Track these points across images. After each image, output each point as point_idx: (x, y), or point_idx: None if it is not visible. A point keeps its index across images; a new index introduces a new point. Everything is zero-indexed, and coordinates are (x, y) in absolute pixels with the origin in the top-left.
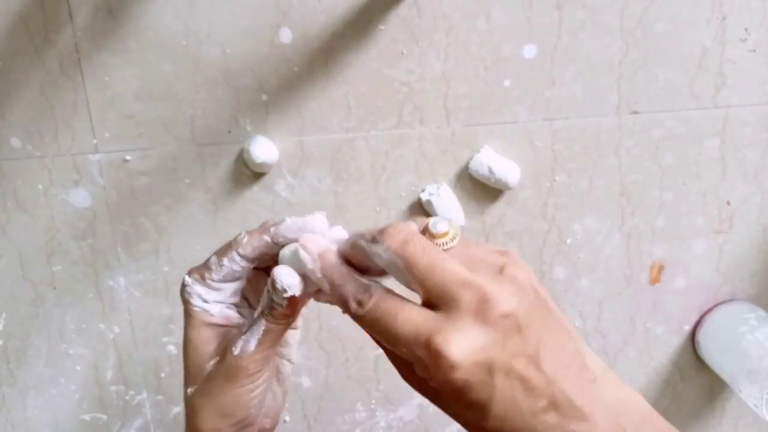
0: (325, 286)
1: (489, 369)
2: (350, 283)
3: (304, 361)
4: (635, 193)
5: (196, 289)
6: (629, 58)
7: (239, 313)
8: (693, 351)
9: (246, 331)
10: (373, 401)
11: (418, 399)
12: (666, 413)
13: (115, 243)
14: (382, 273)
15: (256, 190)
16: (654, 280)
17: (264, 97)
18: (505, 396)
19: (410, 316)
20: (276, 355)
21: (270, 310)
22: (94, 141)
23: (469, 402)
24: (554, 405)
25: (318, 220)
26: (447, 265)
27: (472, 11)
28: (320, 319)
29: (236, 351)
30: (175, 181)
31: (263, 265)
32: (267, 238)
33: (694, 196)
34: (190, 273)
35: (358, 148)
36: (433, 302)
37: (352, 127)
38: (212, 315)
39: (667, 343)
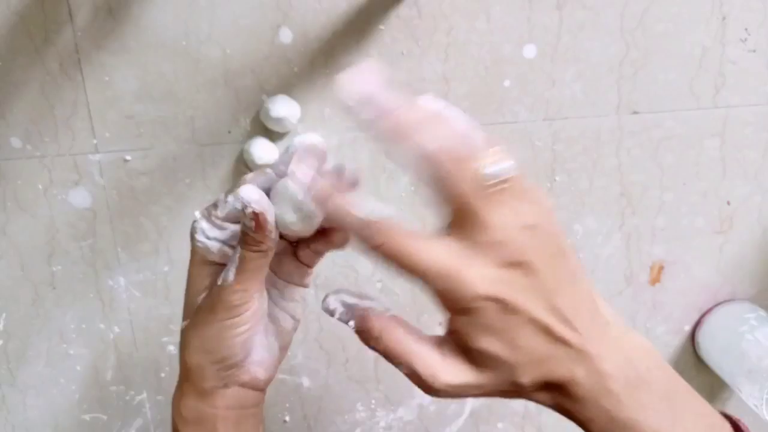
0: (320, 218)
1: (505, 302)
2: (357, 218)
3: (304, 361)
4: (635, 193)
5: (202, 224)
6: (629, 58)
7: None
8: (693, 351)
9: (228, 263)
10: (373, 401)
11: (418, 399)
12: None
13: (115, 243)
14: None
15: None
16: (654, 280)
17: (264, 97)
18: (518, 330)
19: (432, 249)
20: (274, 304)
21: (243, 237)
22: (94, 141)
23: (484, 328)
24: (567, 343)
25: (311, 139)
26: (489, 209)
27: (472, 11)
28: (320, 319)
29: (219, 281)
30: (175, 181)
31: None
32: (269, 170)
33: (694, 196)
34: (201, 211)
35: (358, 148)
36: (458, 229)
37: (352, 127)
38: (212, 252)
39: (667, 343)
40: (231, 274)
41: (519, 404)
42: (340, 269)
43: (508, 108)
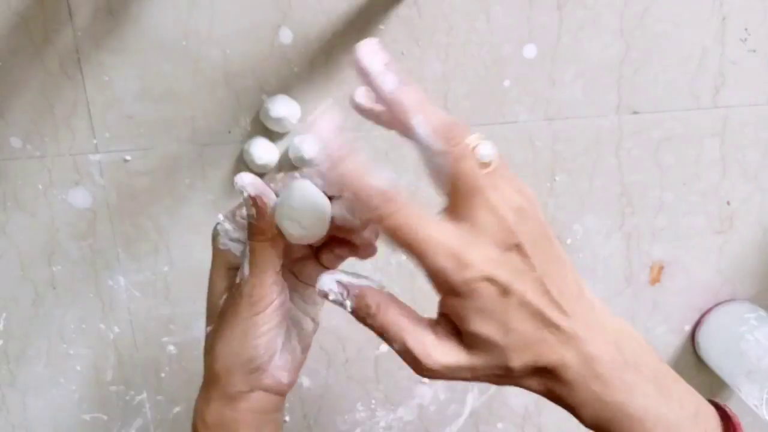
0: (328, 220)
1: (502, 284)
2: (370, 182)
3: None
4: (635, 193)
5: (225, 226)
6: (629, 58)
7: None
8: (693, 351)
9: (242, 259)
10: (373, 401)
11: (418, 399)
12: None
13: (115, 243)
14: None
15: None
16: (654, 280)
17: (264, 97)
18: (511, 312)
19: (437, 228)
20: (295, 307)
21: (249, 228)
22: (94, 141)
23: (478, 310)
24: (558, 327)
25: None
26: (484, 191)
27: (472, 11)
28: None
29: (237, 279)
30: (175, 181)
31: None
32: (297, 174)
33: (694, 196)
34: (224, 213)
35: (358, 149)
36: (456, 212)
37: (352, 127)
38: (234, 255)
39: (667, 343)
40: (246, 268)
41: (519, 404)
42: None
43: (508, 108)
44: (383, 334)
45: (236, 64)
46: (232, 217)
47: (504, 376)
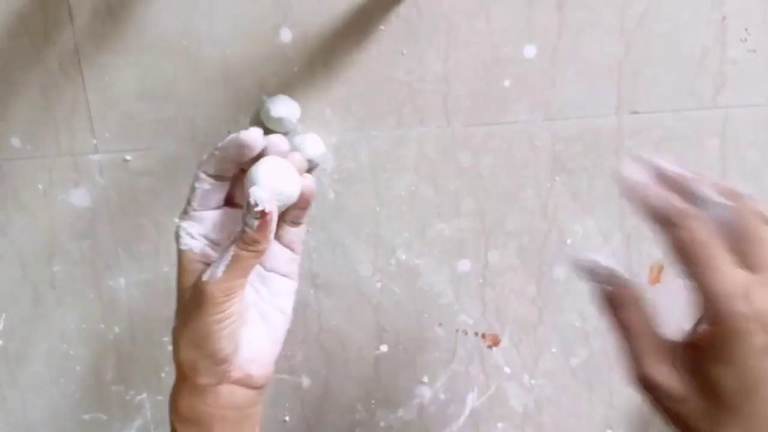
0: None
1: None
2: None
3: (304, 361)
4: None
5: (183, 225)
6: (629, 58)
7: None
8: None
9: (217, 259)
10: (373, 401)
11: (418, 399)
12: None
13: (115, 243)
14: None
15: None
16: (654, 281)
17: (264, 97)
18: (763, 377)
19: (728, 269)
20: (263, 300)
21: (241, 235)
22: (94, 141)
23: (730, 349)
24: None
25: (279, 138)
26: None
27: (472, 11)
28: (320, 319)
29: (204, 277)
30: (175, 181)
31: (227, 175)
32: (216, 152)
33: None
34: (178, 215)
35: (358, 148)
36: (745, 261)
37: (352, 127)
38: (195, 253)
39: None
40: (219, 270)
41: (519, 404)
42: (339, 269)
43: (508, 108)
44: (622, 330)
45: (236, 64)
46: (185, 214)
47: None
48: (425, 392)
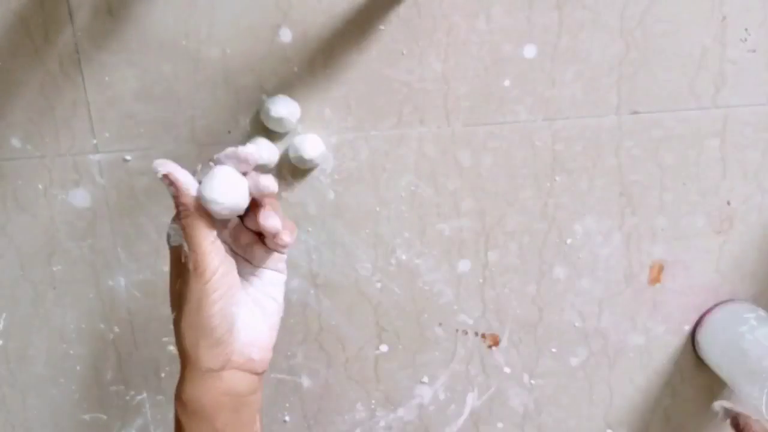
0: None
1: None
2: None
3: (304, 361)
4: (635, 193)
5: (174, 226)
6: (629, 58)
7: None
8: (693, 351)
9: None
10: (373, 401)
11: (418, 399)
12: (666, 413)
13: (115, 243)
14: None
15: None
16: (654, 280)
17: (264, 97)
18: None
19: None
20: (255, 289)
21: (176, 209)
22: (94, 141)
23: None
24: None
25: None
26: None
27: (472, 11)
28: (320, 319)
29: (182, 259)
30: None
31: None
32: (210, 162)
33: (694, 196)
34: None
35: (358, 148)
36: None
37: (352, 127)
38: (185, 250)
39: (667, 343)
40: (186, 247)
41: (519, 404)
42: (340, 269)
43: (508, 108)
44: None
45: (236, 64)
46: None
47: None
48: (425, 392)
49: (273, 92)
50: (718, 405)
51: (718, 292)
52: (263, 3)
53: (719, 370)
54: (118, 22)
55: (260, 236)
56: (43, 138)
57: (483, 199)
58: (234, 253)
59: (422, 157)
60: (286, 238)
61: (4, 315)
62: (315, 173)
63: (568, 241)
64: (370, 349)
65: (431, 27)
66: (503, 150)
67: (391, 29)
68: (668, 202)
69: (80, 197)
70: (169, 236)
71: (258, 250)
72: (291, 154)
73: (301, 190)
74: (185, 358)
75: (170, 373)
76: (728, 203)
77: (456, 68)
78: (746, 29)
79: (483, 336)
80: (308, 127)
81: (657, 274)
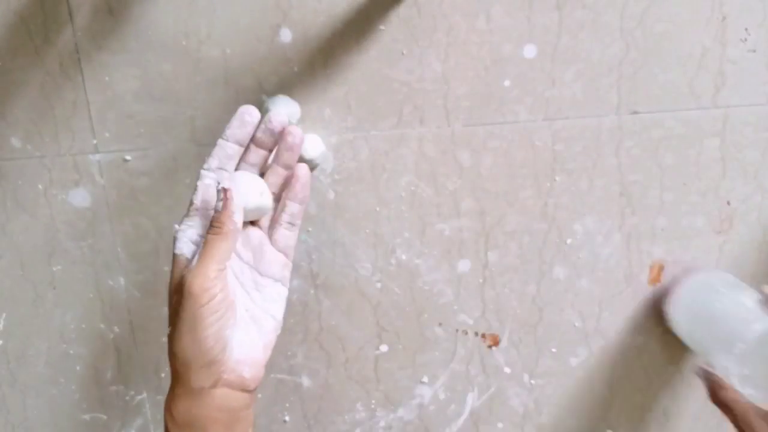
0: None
1: None
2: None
3: (304, 361)
4: (635, 193)
5: (181, 228)
6: (629, 58)
7: None
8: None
9: (195, 253)
10: (373, 401)
11: (418, 399)
12: (666, 413)
13: (115, 243)
14: None
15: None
16: (654, 280)
17: (264, 97)
18: None
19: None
20: (255, 305)
21: (211, 221)
22: (94, 141)
23: None
24: None
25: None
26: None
27: (472, 11)
28: (320, 319)
29: (184, 272)
30: (175, 181)
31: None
32: (219, 140)
33: (694, 196)
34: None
35: (358, 148)
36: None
37: (352, 127)
38: (187, 258)
39: (667, 343)
40: (195, 260)
41: (519, 404)
42: (340, 269)
43: (508, 108)
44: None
45: (236, 64)
46: (187, 215)
47: None
48: (425, 392)
49: (273, 92)
50: (697, 365)
51: None
52: (263, 3)
53: (689, 339)
54: (118, 22)
55: (269, 234)
56: (43, 138)
57: (483, 199)
58: (241, 261)
59: (422, 157)
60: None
61: (4, 315)
62: (315, 173)
63: (568, 241)
64: (370, 349)
65: (431, 27)
66: (503, 150)
67: (391, 29)
68: (668, 202)
69: (80, 197)
70: (175, 240)
71: (268, 252)
72: None
73: None
74: (177, 376)
75: (170, 373)
76: (728, 203)
77: (456, 68)
78: (746, 29)
79: (483, 336)
80: (308, 127)
81: (657, 274)
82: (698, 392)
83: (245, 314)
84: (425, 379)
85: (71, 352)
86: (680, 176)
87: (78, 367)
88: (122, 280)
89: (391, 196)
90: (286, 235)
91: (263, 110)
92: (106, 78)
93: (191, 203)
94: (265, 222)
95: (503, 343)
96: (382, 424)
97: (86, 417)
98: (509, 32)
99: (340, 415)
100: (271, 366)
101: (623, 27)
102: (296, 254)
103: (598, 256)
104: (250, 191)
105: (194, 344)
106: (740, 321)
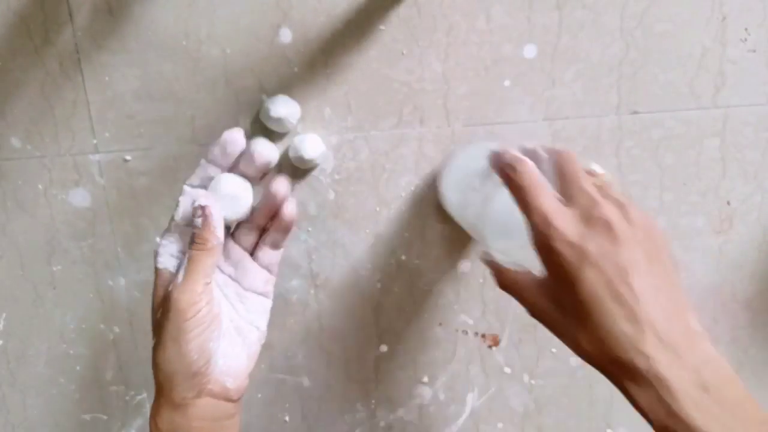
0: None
1: (581, 253)
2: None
3: (304, 361)
4: (635, 193)
5: (162, 242)
6: (629, 58)
7: None
8: None
9: (180, 267)
10: (373, 401)
11: (418, 399)
12: None
13: (115, 243)
14: None
15: (256, 190)
16: None
17: (264, 97)
18: (591, 282)
19: (547, 198)
20: (239, 317)
21: (192, 237)
22: (94, 141)
23: (563, 276)
24: (633, 319)
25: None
26: (584, 183)
27: (472, 11)
28: (320, 319)
29: (170, 288)
30: (175, 181)
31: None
32: (202, 161)
33: (694, 196)
34: (161, 234)
35: (358, 148)
36: (565, 195)
37: (352, 127)
38: (171, 272)
39: None
40: (180, 275)
41: (519, 404)
42: (339, 269)
43: (508, 108)
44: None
45: (236, 63)
46: (168, 230)
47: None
48: (425, 392)
49: (273, 92)
50: (482, 255)
51: (718, 292)
52: (263, 3)
53: (462, 221)
54: (118, 22)
55: (251, 253)
56: (43, 138)
57: None
58: (223, 274)
59: (422, 157)
60: (291, 206)
61: (4, 315)
62: (315, 173)
63: None
64: (370, 349)
65: (431, 27)
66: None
67: (391, 29)
68: (668, 202)
69: (80, 197)
70: (156, 254)
71: (250, 268)
72: (291, 154)
73: (301, 190)
74: (160, 388)
75: (154, 384)
76: (728, 203)
77: (456, 68)
78: (746, 29)
79: (483, 336)
80: (308, 127)
81: None
82: None
83: (230, 325)
84: (425, 379)
85: (71, 352)
86: (680, 176)
87: (78, 367)
88: (122, 280)
89: (391, 196)
90: (271, 253)
91: (263, 110)
92: (106, 78)
93: (172, 218)
94: (247, 242)
95: (503, 343)
96: (382, 424)
97: (86, 417)
98: (509, 32)
99: (340, 415)
100: (271, 366)
101: (623, 27)
102: (296, 254)
103: None
104: (235, 195)
105: (178, 357)
106: (485, 200)
